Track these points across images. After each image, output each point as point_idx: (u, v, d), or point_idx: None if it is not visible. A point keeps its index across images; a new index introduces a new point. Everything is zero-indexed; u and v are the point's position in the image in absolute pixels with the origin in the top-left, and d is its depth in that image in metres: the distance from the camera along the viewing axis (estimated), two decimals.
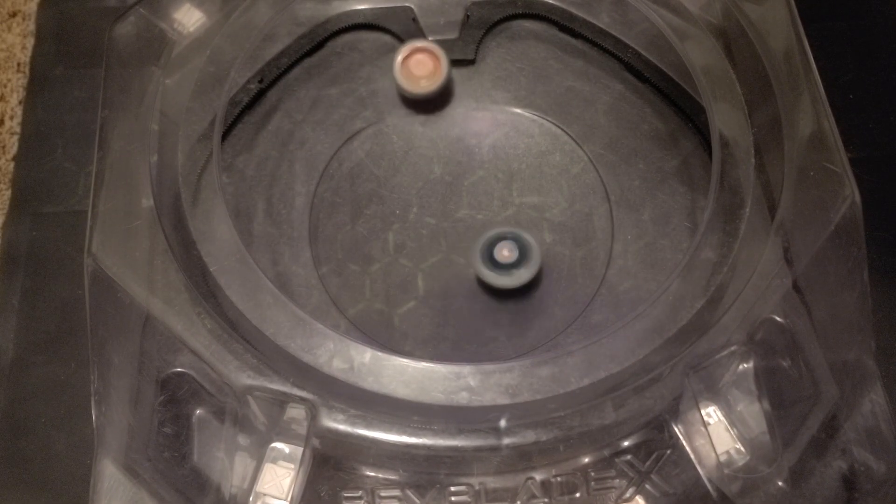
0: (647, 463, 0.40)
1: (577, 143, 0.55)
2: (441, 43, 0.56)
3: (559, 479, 0.40)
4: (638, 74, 0.56)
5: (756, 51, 0.50)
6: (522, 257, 0.49)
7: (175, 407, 0.41)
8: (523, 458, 0.40)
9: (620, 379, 0.41)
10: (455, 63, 0.58)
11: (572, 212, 0.53)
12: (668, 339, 0.42)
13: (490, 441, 0.39)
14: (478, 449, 0.39)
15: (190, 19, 0.52)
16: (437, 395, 0.40)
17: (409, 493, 0.40)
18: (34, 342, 0.50)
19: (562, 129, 0.56)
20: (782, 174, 0.46)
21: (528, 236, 0.50)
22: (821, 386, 0.42)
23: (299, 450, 0.39)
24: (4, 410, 0.48)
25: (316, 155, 0.54)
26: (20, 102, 0.58)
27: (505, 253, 0.49)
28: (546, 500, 0.40)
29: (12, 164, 0.55)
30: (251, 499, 0.39)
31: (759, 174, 0.48)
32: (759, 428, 0.40)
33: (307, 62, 0.57)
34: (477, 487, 0.40)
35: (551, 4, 0.57)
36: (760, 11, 0.51)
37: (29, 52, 0.60)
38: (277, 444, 0.39)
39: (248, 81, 0.54)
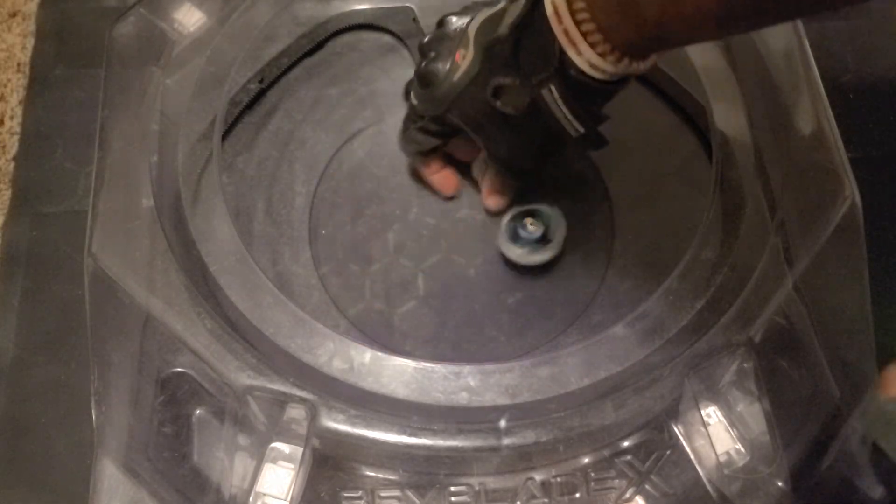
0: (647, 463, 0.40)
1: None
2: None
3: (559, 479, 0.40)
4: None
5: (756, 51, 0.50)
6: (547, 233, 0.50)
7: (175, 407, 0.41)
8: (523, 458, 0.40)
9: (620, 379, 0.41)
10: None
11: (573, 211, 0.53)
12: (668, 340, 0.42)
13: (490, 441, 0.40)
14: (478, 449, 0.40)
15: (190, 19, 0.52)
16: (436, 396, 0.40)
17: (408, 493, 0.40)
18: (34, 342, 0.50)
19: None
20: (782, 174, 0.46)
21: (551, 211, 0.51)
22: (820, 386, 0.42)
23: (299, 450, 0.39)
24: (5, 410, 0.48)
25: (316, 155, 0.54)
26: (20, 102, 0.58)
27: (530, 227, 0.50)
28: (546, 500, 0.40)
29: (12, 164, 0.55)
30: (251, 499, 0.39)
31: (759, 174, 0.47)
32: (759, 428, 0.40)
33: (307, 62, 0.57)
34: (477, 488, 0.40)
35: None
36: None
37: (29, 53, 0.59)
38: (277, 444, 0.39)
39: (249, 81, 0.54)
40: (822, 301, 0.43)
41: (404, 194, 0.54)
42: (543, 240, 0.50)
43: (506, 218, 0.51)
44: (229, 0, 0.52)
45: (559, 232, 0.50)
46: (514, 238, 0.50)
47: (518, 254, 0.50)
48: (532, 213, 0.50)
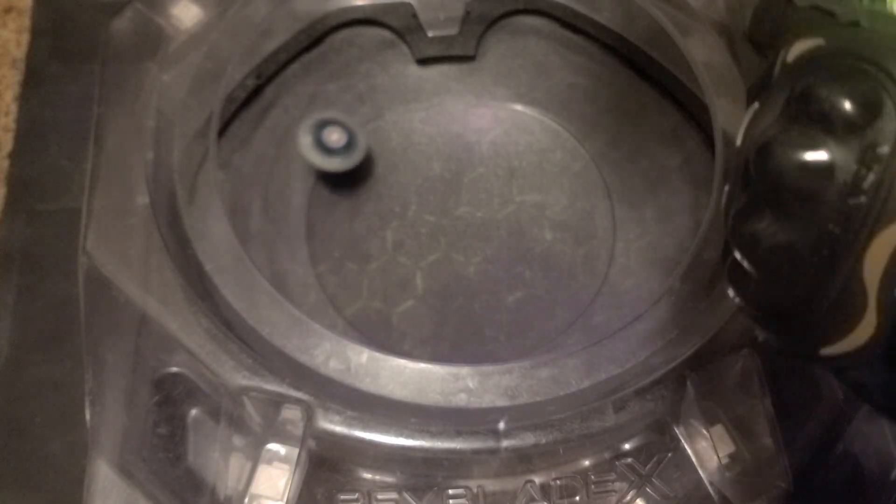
0: (648, 466, 0.40)
1: (578, 141, 0.55)
2: (441, 39, 0.56)
3: (559, 482, 0.40)
4: (640, 71, 0.56)
5: None
6: (351, 142, 0.52)
7: (170, 407, 0.41)
8: (523, 460, 0.40)
9: (621, 381, 0.40)
10: (455, 59, 0.57)
11: (573, 209, 0.52)
12: (669, 341, 0.41)
13: (489, 443, 0.39)
14: (476, 451, 0.39)
15: (187, 15, 0.52)
16: (435, 397, 0.40)
17: (406, 495, 0.39)
18: (29, 341, 0.50)
19: (563, 127, 0.55)
20: None
21: (351, 123, 0.52)
22: (823, 387, 0.41)
23: (295, 451, 0.39)
24: None
25: None
26: (15, 99, 0.57)
27: (334, 137, 0.52)
28: (545, 503, 0.39)
29: (7, 161, 0.55)
30: (246, 500, 0.38)
31: None
32: (762, 430, 0.40)
33: (305, 58, 0.57)
34: (475, 490, 0.40)
35: (552, 0, 0.57)
36: None
37: (24, 48, 0.59)
38: (273, 446, 0.39)
39: (246, 77, 0.53)
40: None
41: (403, 192, 0.53)
42: (349, 146, 0.52)
43: (305, 128, 0.52)
44: None
45: (361, 136, 0.52)
46: (321, 147, 0.52)
47: (335, 164, 0.52)
48: (330, 123, 0.52)
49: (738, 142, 0.32)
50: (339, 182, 0.53)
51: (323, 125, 0.52)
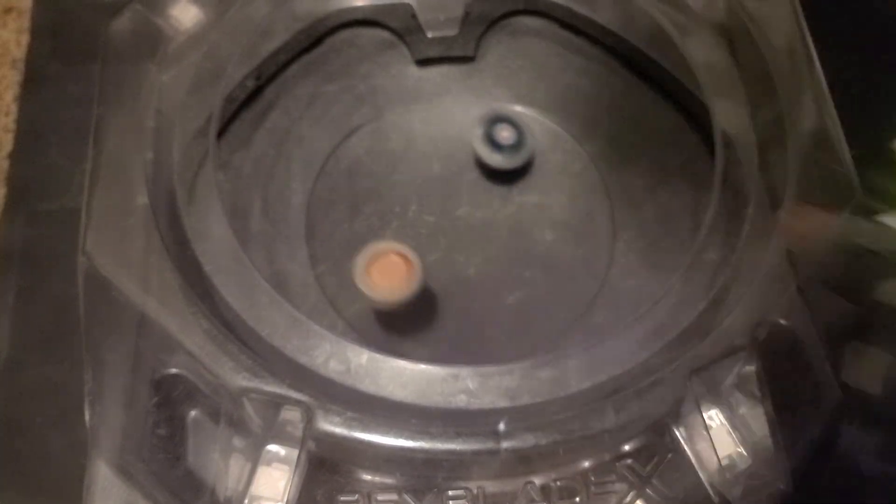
0: (648, 467, 0.40)
1: (578, 142, 0.55)
2: (440, 40, 0.56)
3: (559, 483, 0.40)
4: (640, 72, 0.56)
5: (759, 47, 0.49)
6: (519, 142, 0.52)
7: (169, 408, 0.41)
8: (523, 461, 0.40)
9: (622, 382, 0.40)
10: (455, 60, 0.57)
11: (573, 210, 0.52)
12: (670, 342, 0.41)
13: (489, 444, 0.39)
14: (476, 452, 0.39)
15: (187, 15, 0.52)
16: (435, 398, 0.40)
17: (406, 497, 0.39)
18: (29, 342, 0.50)
19: (562, 128, 0.55)
20: (786, 173, 0.46)
21: (524, 124, 0.53)
22: (823, 389, 0.41)
23: (295, 452, 0.39)
24: None
25: (313, 152, 0.54)
26: (15, 99, 0.57)
27: (504, 134, 0.52)
28: None
29: (7, 161, 0.55)
30: (246, 501, 0.38)
31: (763, 173, 0.47)
32: (762, 431, 0.40)
33: (305, 58, 0.57)
34: (475, 491, 0.40)
35: (552, 1, 0.57)
36: (763, 7, 0.50)
37: (24, 48, 0.59)
38: (272, 447, 0.39)
39: (245, 78, 0.53)
40: (825, 303, 0.42)
41: (403, 192, 0.53)
42: (518, 144, 0.52)
43: (480, 126, 0.53)
44: None
45: (530, 139, 0.53)
46: (489, 142, 0.52)
47: (498, 160, 0.52)
48: (502, 120, 0.53)
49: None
50: (343, 182, 0.53)
51: (497, 121, 0.53)
